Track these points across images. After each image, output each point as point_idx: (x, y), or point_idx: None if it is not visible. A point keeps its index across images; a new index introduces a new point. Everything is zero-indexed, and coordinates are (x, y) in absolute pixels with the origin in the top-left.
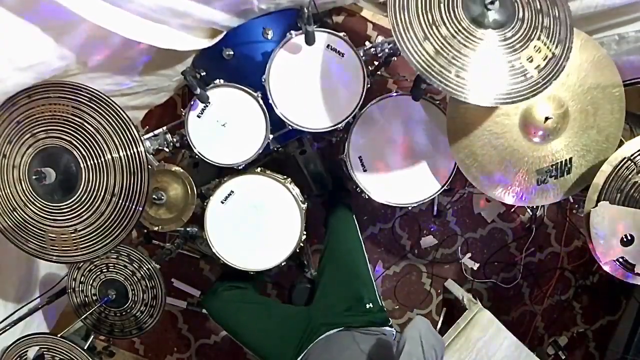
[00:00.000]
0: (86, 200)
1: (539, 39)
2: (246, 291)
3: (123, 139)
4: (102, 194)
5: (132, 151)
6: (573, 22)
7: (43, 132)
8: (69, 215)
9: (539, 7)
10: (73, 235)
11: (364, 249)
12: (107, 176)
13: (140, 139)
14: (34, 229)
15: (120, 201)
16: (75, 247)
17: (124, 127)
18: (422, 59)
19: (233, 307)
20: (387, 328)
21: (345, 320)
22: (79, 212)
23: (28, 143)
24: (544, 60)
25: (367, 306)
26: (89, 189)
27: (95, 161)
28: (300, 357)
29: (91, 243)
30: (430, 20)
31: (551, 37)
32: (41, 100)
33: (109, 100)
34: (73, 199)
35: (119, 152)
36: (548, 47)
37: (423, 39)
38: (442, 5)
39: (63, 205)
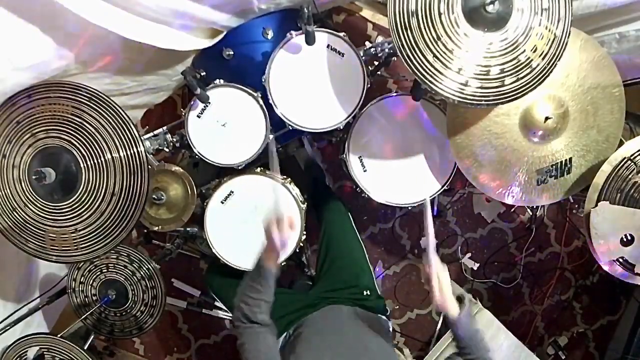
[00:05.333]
0: (86, 200)
1: (540, 25)
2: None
3: (123, 139)
4: (102, 193)
5: (132, 151)
6: None
7: (43, 132)
8: (69, 215)
9: None
10: (73, 235)
11: (359, 238)
12: (107, 176)
13: (140, 139)
14: (34, 229)
15: (121, 201)
16: (75, 247)
17: (124, 127)
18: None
19: (231, 282)
20: (383, 317)
21: (345, 298)
22: (79, 212)
23: (28, 143)
24: (547, 45)
25: (365, 293)
26: (89, 189)
27: (95, 161)
28: (294, 327)
29: (91, 243)
30: (435, 36)
31: (552, 18)
32: (41, 100)
33: (108, 99)
34: (73, 198)
35: (119, 152)
36: (550, 30)
37: (432, 58)
38: (442, 16)
39: (63, 205)
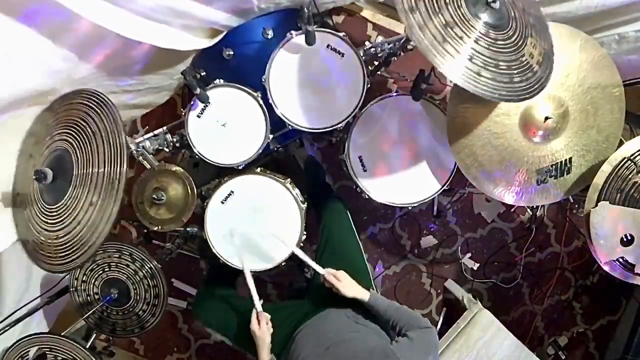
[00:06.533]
0: (71, 205)
1: (532, 36)
2: (234, 296)
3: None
4: (83, 201)
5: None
6: (544, 18)
7: (58, 134)
8: (55, 220)
9: (521, 6)
10: (55, 241)
11: (357, 238)
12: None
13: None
14: (32, 229)
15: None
16: (55, 255)
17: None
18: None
19: (223, 312)
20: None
21: (339, 303)
22: (62, 218)
23: (47, 144)
24: (540, 55)
25: None
26: (74, 195)
27: (85, 170)
28: (293, 335)
29: (68, 253)
30: (445, 21)
31: (538, 34)
32: (67, 105)
33: (110, 102)
34: (62, 202)
35: (105, 167)
36: (540, 43)
37: (442, 40)
38: (457, 25)
39: (53, 209)
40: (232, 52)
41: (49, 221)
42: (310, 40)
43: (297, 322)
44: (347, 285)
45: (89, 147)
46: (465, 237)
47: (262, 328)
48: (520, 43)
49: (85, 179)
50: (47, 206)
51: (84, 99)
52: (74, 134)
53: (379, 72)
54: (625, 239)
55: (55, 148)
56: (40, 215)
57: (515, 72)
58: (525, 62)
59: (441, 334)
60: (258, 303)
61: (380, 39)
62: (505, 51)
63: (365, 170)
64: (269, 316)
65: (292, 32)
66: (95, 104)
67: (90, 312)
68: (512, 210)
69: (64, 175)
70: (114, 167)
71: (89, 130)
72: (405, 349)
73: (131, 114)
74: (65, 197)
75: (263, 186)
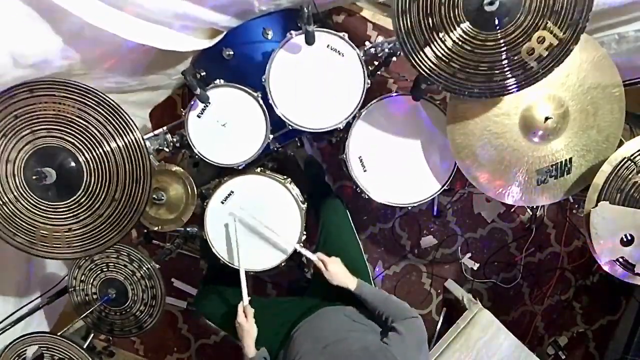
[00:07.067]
0: (85, 203)
1: (544, 28)
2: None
3: (122, 132)
4: (103, 198)
5: (137, 157)
6: None
7: (45, 130)
8: (64, 214)
9: None
10: (67, 233)
11: (357, 237)
12: (110, 182)
13: (149, 153)
14: (24, 224)
15: (120, 206)
16: (67, 245)
17: (124, 122)
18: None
19: (223, 306)
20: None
21: (337, 300)
22: (76, 213)
23: (27, 139)
24: (547, 49)
25: None
26: (89, 193)
27: (98, 167)
28: (291, 333)
29: (84, 242)
30: (431, 25)
31: (560, 22)
32: (44, 97)
33: (116, 105)
34: (72, 199)
35: (119, 146)
36: (554, 34)
37: (424, 44)
38: (442, 8)
39: (60, 205)
40: (232, 52)
41: (52, 216)
42: (310, 40)
43: (296, 319)
44: (332, 274)
45: (99, 147)
46: (465, 237)
47: (250, 321)
48: (520, 40)
49: (104, 177)
50: (44, 202)
51: (71, 94)
52: (73, 132)
53: (379, 72)
54: (625, 239)
55: (44, 145)
56: (35, 211)
57: (497, 71)
58: (518, 60)
59: (441, 334)
60: (246, 298)
61: (380, 39)
62: (493, 52)
63: (365, 170)
64: (253, 311)
65: (292, 32)
66: (93, 102)
67: (88, 311)
68: (512, 210)
69: (65, 174)
70: (136, 165)
71: (96, 131)
72: (399, 346)
73: (129, 111)
74: (78, 194)
75: (263, 186)
